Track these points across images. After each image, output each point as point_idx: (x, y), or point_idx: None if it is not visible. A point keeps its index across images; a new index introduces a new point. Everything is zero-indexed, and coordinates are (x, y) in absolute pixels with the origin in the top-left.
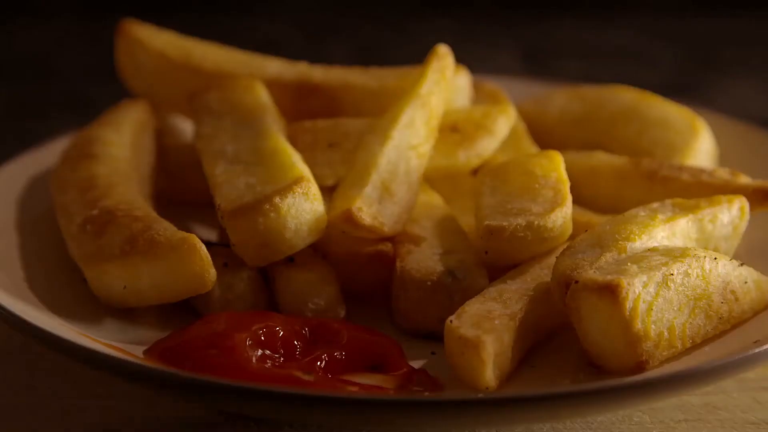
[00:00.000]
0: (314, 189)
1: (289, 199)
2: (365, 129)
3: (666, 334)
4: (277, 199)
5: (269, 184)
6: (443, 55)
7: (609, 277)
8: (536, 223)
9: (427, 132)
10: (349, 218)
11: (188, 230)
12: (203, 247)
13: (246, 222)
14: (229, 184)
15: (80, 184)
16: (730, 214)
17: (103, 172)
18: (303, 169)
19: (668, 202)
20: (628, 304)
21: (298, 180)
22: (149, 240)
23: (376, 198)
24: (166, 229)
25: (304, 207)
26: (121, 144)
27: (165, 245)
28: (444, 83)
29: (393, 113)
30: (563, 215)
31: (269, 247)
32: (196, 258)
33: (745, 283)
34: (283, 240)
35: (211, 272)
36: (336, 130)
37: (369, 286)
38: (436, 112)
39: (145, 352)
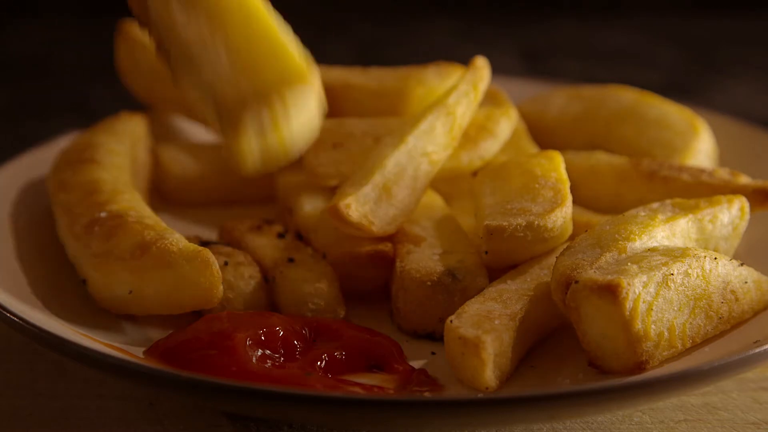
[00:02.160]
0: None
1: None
2: (370, 129)
3: (666, 334)
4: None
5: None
6: (479, 68)
7: (609, 277)
8: (536, 223)
9: (447, 141)
10: (336, 213)
11: (188, 230)
12: (216, 262)
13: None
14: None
15: (84, 187)
16: (730, 214)
17: (107, 178)
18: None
19: (668, 202)
20: (628, 304)
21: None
22: (163, 249)
23: (374, 198)
24: (179, 240)
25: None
26: (122, 153)
27: (178, 255)
28: (474, 95)
29: (415, 118)
30: (563, 215)
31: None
32: (208, 272)
33: (745, 283)
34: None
35: (219, 289)
36: (340, 130)
37: (369, 286)
38: (461, 122)
39: (145, 352)
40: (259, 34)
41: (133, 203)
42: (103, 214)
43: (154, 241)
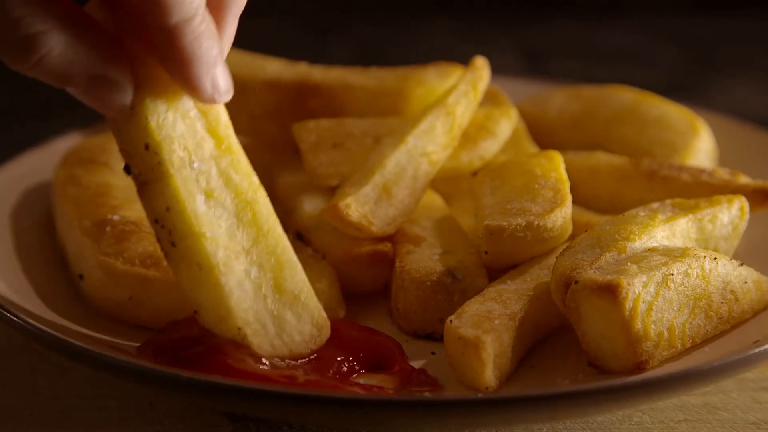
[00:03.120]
0: None
1: None
2: (370, 129)
3: (666, 334)
4: None
5: None
6: (479, 68)
7: (609, 277)
8: (536, 223)
9: (447, 141)
10: (336, 213)
11: None
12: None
13: None
14: None
15: (97, 187)
16: (730, 214)
17: (120, 185)
18: None
19: (668, 202)
20: (628, 304)
21: None
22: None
23: (373, 198)
24: None
25: None
26: None
27: None
28: (474, 95)
29: (415, 118)
30: (563, 215)
31: None
32: None
33: (745, 283)
34: None
35: None
36: (340, 130)
37: (369, 286)
38: (461, 122)
39: (139, 349)
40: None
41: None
42: (116, 217)
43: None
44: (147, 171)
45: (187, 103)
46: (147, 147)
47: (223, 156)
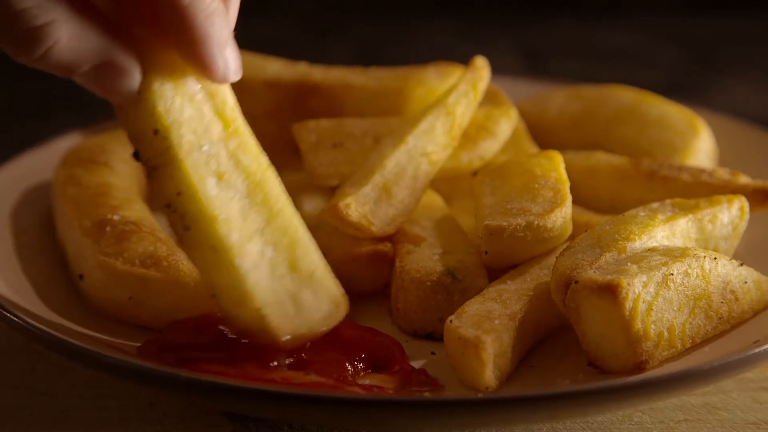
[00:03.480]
0: None
1: None
2: (370, 129)
3: (666, 334)
4: None
5: None
6: (479, 68)
7: (609, 277)
8: (536, 223)
9: (447, 141)
10: (335, 213)
11: None
12: None
13: None
14: None
15: (97, 187)
16: (730, 214)
17: (120, 185)
18: None
19: (668, 202)
20: (628, 304)
21: None
22: (174, 266)
23: (373, 198)
24: (188, 261)
25: None
26: (134, 165)
27: (188, 276)
28: (474, 94)
29: (415, 118)
30: (563, 215)
31: None
32: (211, 301)
33: (745, 283)
34: None
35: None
36: (340, 130)
37: (369, 286)
38: (461, 122)
39: (139, 349)
40: (304, 256)
41: (145, 214)
42: (116, 217)
43: (165, 255)
44: (156, 156)
45: (194, 87)
46: (156, 132)
47: (231, 138)
